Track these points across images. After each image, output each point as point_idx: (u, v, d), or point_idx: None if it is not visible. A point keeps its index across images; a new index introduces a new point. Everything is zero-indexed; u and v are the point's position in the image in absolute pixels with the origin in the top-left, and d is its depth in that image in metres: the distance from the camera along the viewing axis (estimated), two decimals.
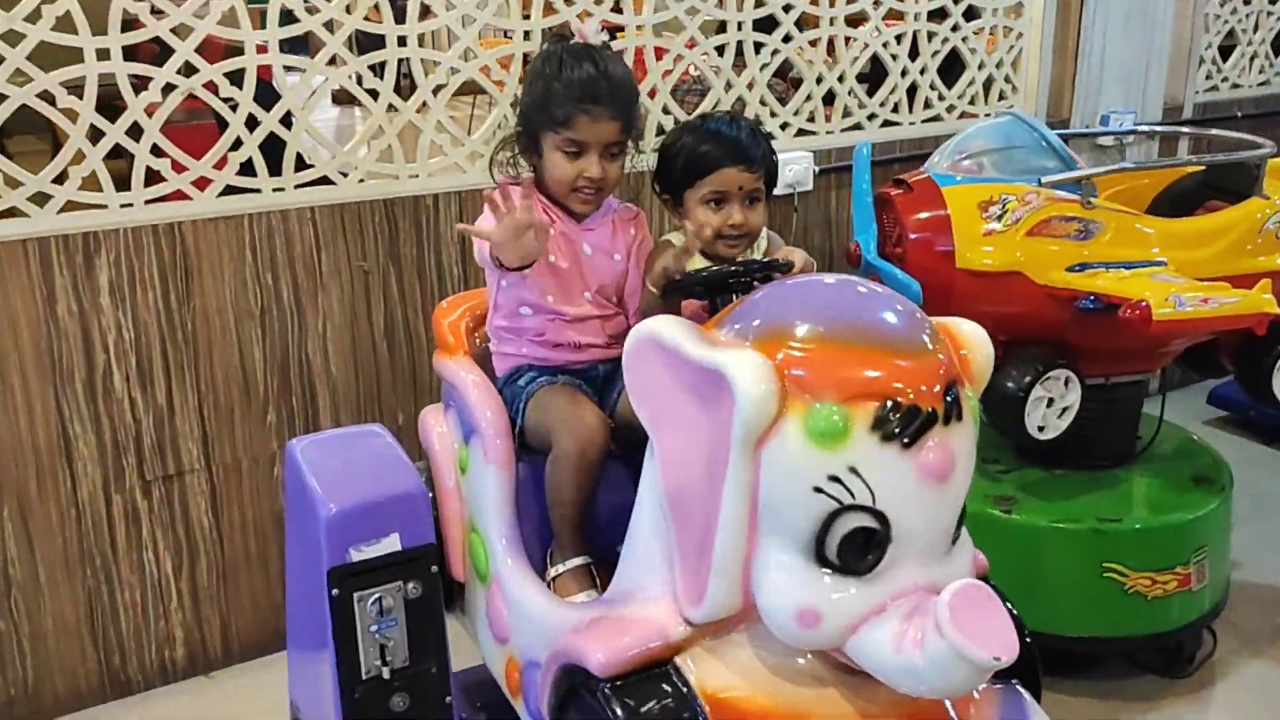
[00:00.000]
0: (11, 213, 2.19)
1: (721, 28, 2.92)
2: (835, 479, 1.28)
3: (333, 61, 2.50)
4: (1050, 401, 2.41)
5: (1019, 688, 1.59)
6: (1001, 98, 3.47)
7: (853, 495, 1.29)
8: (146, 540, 2.46)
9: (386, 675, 1.66)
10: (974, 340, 1.45)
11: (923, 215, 2.42)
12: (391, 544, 1.64)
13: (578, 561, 1.74)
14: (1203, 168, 2.70)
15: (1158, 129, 3.19)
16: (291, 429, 2.53)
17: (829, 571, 1.32)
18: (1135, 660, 2.61)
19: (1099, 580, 2.42)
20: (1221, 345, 2.64)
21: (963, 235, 2.37)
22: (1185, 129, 3.33)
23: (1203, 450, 2.74)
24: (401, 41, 2.47)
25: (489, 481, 1.75)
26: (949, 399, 1.32)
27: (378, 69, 2.46)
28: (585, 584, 1.74)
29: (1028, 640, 1.61)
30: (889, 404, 1.28)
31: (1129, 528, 2.42)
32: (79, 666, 2.45)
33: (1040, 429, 2.42)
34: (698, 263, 1.82)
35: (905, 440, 1.28)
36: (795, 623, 1.34)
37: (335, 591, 1.61)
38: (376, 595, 1.63)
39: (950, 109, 3.37)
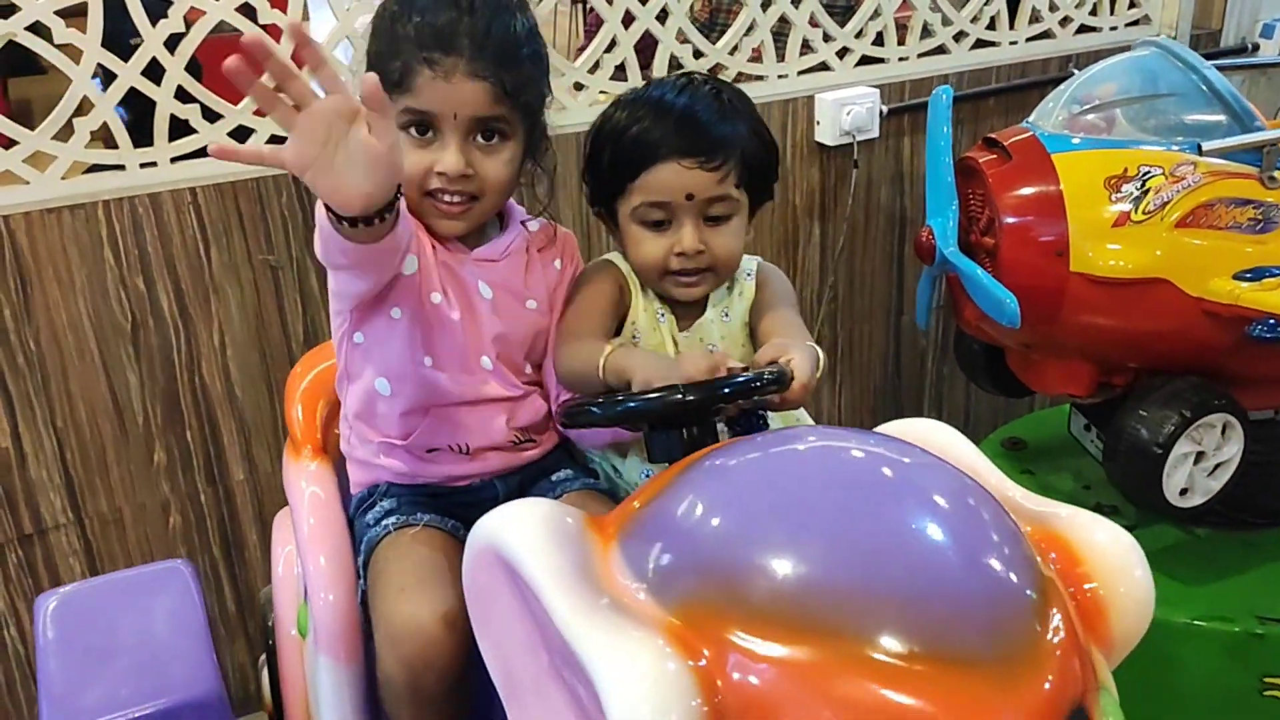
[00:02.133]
0: None
1: None
2: None
3: None
4: (1199, 456, 1.73)
5: None
6: (1132, 5, 2.69)
7: None
8: (6, 614, 1.94)
9: None
10: (1115, 559, 0.80)
11: (1024, 192, 1.74)
12: None
13: None
14: None
15: None
16: (187, 469, 1.97)
17: None
18: None
19: (1258, 700, 1.77)
20: None
21: (1082, 225, 1.68)
22: None
23: None
24: None
25: (323, 677, 1.16)
26: None
27: None
28: None
29: None
30: None
31: None
32: None
33: (1183, 492, 1.75)
34: (645, 305, 1.19)
35: None
36: None
37: None
38: None
39: (1064, 21, 2.60)
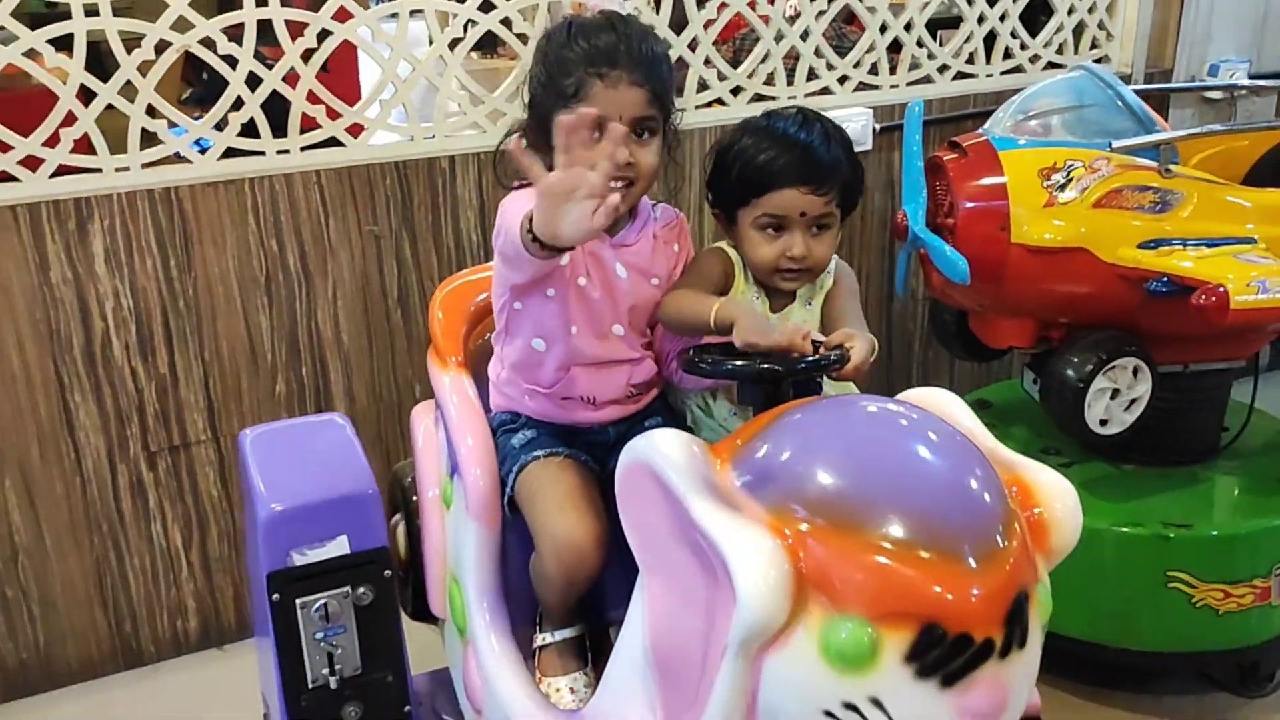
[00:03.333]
0: (2, 177, 2.12)
1: None
2: (852, 707, 1.03)
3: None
4: (1115, 393, 2.16)
5: None
6: (1094, 46, 3.16)
7: None
8: (154, 511, 2.40)
9: (335, 684, 1.54)
10: (1055, 496, 1.18)
11: (977, 182, 2.17)
12: (339, 547, 1.52)
13: (567, 634, 1.56)
14: None
15: (1263, 83, 2.83)
16: (301, 400, 2.44)
17: None
18: (1207, 675, 2.37)
19: (1164, 591, 2.18)
20: None
21: (1020, 205, 2.12)
22: None
23: None
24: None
25: (470, 538, 1.57)
26: (1014, 622, 1.05)
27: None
28: (572, 663, 1.55)
29: None
30: (933, 631, 1.01)
31: (1199, 535, 2.16)
32: (90, 634, 2.42)
33: (1103, 423, 2.18)
34: (749, 291, 1.60)
35: (948, 677, 1.02)
36: None
37: (275, 596, 1.50)
38: (321, 601, 1.52)
39: (1034, 59, 3.07)
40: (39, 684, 2.40)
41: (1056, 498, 1.17)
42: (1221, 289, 1.89)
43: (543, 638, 1.56)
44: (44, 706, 2.39)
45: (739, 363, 1.43)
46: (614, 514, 1.25)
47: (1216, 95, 3.18)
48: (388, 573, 1.55)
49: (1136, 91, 2.22)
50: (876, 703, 1.02)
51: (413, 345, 2.51)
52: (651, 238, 1.58)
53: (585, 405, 1.57)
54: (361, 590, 1.53)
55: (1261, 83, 2.86)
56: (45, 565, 2.34)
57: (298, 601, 1.50)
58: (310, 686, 1.54)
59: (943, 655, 1.01)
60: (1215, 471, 2.35)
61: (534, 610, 1.60)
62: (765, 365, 1.41)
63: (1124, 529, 2.19)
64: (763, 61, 2.73)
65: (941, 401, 1.30)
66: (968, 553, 1.05)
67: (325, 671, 1.54)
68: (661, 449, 1.13)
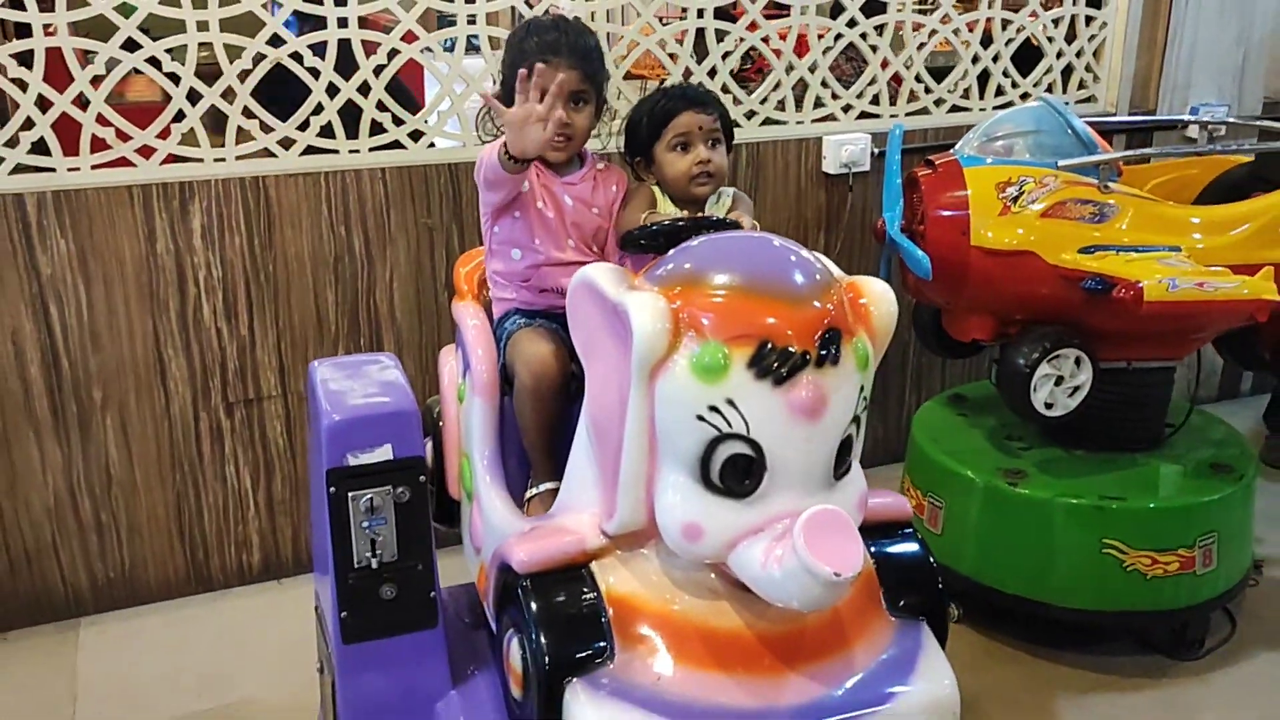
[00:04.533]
0: (121, 162, 2.54)
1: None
2: (715, 409, 1.44)
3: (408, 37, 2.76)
4: (1060, 380, 2.48)
5: (923, 624, 1.70)
6: (1081, 86, 3.48)
7: (729, 424, 1.44)
8: (229, 455, 2.80)
9: (375, 566, 1.90)
10: (876, 296, 1.58)
11: (944, 195, 2.52)
12: (384, 453, 1.88)
13: (548, 486, 1.94)
14: (1251, 159, 2.70)
15: (1218, 121, 3.14)
16: None
17: (713, 493, 1.48)
18: (1145, 641, 2.66)
19: (1098, 556, 2.48)
20: (1262, 336, 2.65)
21: (979, 214, 2.46)
22: (1265, 122, 3.25)
23: (1233, 440, 2.74)
24: (470, 20, 2.72)
25: (476, 410, 1.97)
26: (826, 345, 1.46)
27: (448, 44, 2.72)
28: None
29: (940, 587, 1.75)
30: (765, 345, 1.43)
31: (1131, 507, 2.47)
32: (168, 560, 2.81)
33: (1048, 406, 2.49)
34: (669, 209, 2.01)
35: (778, 377, 1.43)
36: (681, 535, 1.51)
37: (333, 490, 1.87)
38: (369, 496, 1.88)
39: (1024, 96, 3.40)
40: (123, 600, 2.80)
41: (877, 294, 1.58)
42: (1139, 285, 2.22)
43: (531, 490, 1.96)
44: (128, 619, 2.79)
45: (663, 227, 1.87)
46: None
47: (1194, 133, 3.49)
48: (422, 478, 1.91)
49: (1118, 122, 2.56)
50: (731, 403, 1.44)
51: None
52: (592, 179, 2.07)
53: (555, 294, 2.01)
54: (400, 490, 1.89)
55: (1226, 120, 3.17)
56: (134, 496, 2.74)
57: (349, 494, 1.87)
58: (356, 566, 1.90)
59: (773, 362, 1.42)
60: (1154, 458, 2.65)
61: (525, 481, 1.99)
62: (681, 223, 1.86)
63: (1067, 500, 2.50)
64: (774, 90, 3.10)
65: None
66: (791, 298, 1.48)
67: (368, 555, 1.89)
68: (594, 268, 1.61)
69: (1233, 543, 2.56)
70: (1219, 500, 2.51)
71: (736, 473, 1.47)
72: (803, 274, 1.53)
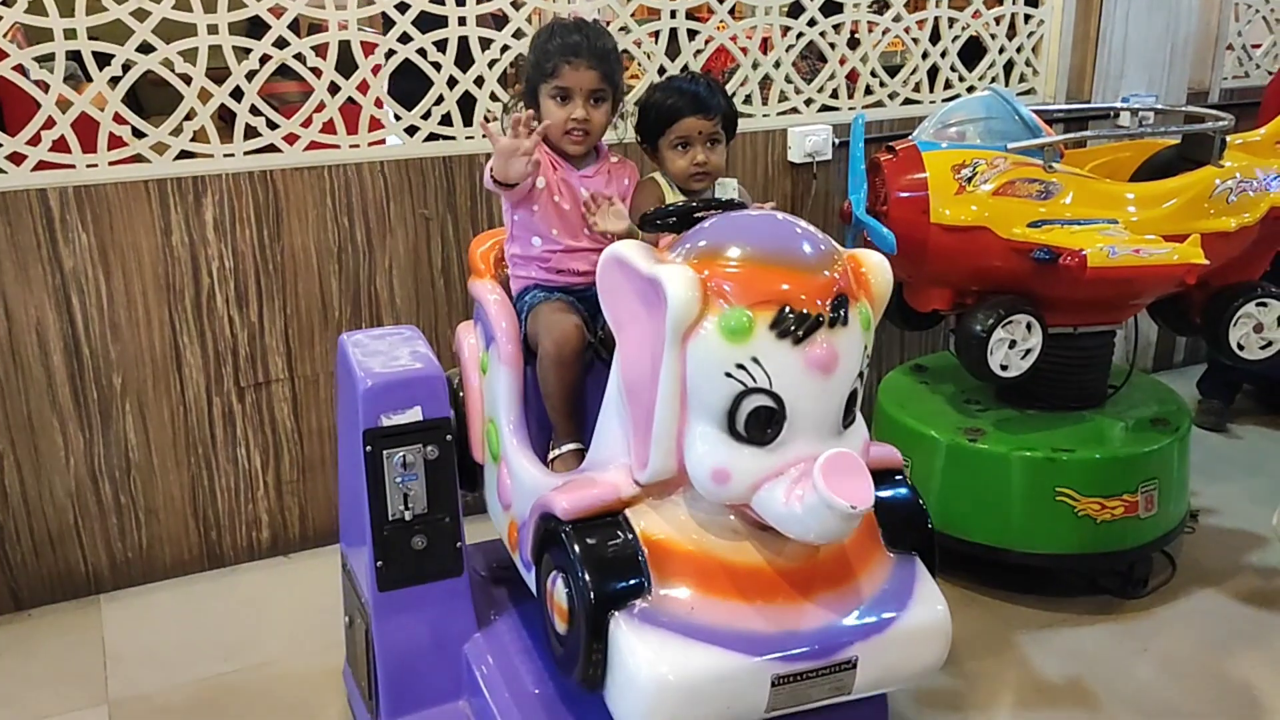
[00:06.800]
0: (137, 158, 2.70)
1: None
2: (741, 366, 1.63)
3: (404, 39, 2.94)
4: (1013, 344, 2.72)
5: (916, 558, 1.92)
6: (1022, 79, 3.75)
7: (754, 380, 1.63)
8: (240, 437, 2.95)
9: (408, 518, 2.09)
10: (874, 266, 1.78)
11: (905, 177, 2.76)
12: (415, 415, 2.07)
13: (570, 447, 2.11)
14: (1177, 141, 2.97)
15: (1147, 108, 3.44)
16: None
17: (738, 441, 1.66)
18: (1094, 583, 2.91)
19: (1053, 503, 2.73)
20: (1192, 302, 2.91)
21: (937, 194, 2.70)
22: (1189, 108, 3.53)
23: (1170, 398, 3.01)
24: (461, 21, 2.90)
25: (501, 379, 2.14)
26: (836, 308, 1.66)
27: (441, 45, 2.90)
28: (576, 465, 2.11)
29: (929, 526, 1.95)
30: (785, 309, 1.62)
31: (1080, 457, 2.72)
32: (183, 539, 2.96)
33: (1004, 368, 2.73)
34: (675, 197, 2.21)
35: (796, 337, 1.62)
36: (710, 480, 1.69)
37: (369, 449, 2.05)
38: (401, 453, 2.06)
39: (970, 89, 3.66)
40: (140, 577, 2.94)
41: (875, 265, 1.78)
42: (1083, 253, 2.46)
43: (554, 451, 2.13)
44: (145, 595, 2.93)
45: (680, 209, 2.02)
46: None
47: (1125, 120, 3.78)
48: (449, 437, 2.10)
49: (1058, 110, 2.82)
50: (756, 360, 1.61)
51: (453, 311, 3.08)
52: (606, 172, 2.21)
53: (574, 275, 2.20)
54: (430, 448, 2.08)
55: (1155, 108, 3.46)
56: (152, 479, 2.89)
57: (384, 452, 2.05)
58: (390, 519, 2.08)
59: (792, 323, 1.61)
60: (1100, 415, 2.91)
61: (546, 444, 2.16)
62: (694, 204, 2.01)
63: (1023, 453, 2.75)
64: (742, 85, 3.32)
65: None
66: (804, 267, 1.66)
67: (401, 508, 2.08)
68: (622, 245, 1.78)
69: (1171, 489, 2.83)
70: (1159, 450, 2.77)
71: (759, 423, 1.65)
72: (811, 246, 1.72)
